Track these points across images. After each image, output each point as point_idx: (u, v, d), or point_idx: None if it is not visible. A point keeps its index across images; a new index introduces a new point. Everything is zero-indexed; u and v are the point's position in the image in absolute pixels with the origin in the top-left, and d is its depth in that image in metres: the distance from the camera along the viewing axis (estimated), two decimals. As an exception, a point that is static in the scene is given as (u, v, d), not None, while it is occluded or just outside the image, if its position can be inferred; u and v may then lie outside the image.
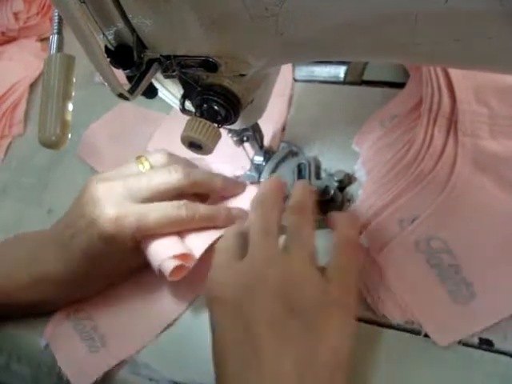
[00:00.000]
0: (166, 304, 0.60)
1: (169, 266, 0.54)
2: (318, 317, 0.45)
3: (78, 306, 0.62)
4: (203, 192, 0.61)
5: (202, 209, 0.58)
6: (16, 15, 0.93)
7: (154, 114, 0.77)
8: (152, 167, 0.61)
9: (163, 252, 0.55)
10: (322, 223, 0.58)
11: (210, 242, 0.57)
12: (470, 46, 0.33)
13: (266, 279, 0.46)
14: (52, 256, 0.58)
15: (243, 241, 0.51)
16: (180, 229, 0.57)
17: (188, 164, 0.63)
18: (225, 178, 0.63)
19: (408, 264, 0.52)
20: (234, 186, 0.63)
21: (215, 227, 0.59)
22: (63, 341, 0.60)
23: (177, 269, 0.55)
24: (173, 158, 0.62)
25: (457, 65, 0.40)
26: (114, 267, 0.59)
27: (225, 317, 0.47)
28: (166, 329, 0.58)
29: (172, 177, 0.58)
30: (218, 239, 0.57)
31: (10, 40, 0.95)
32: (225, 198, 0.63)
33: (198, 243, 0.57)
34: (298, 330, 0.45)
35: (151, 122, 0.76)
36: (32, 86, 0.89)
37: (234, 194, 0.63)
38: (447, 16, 0.32)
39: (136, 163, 0.61)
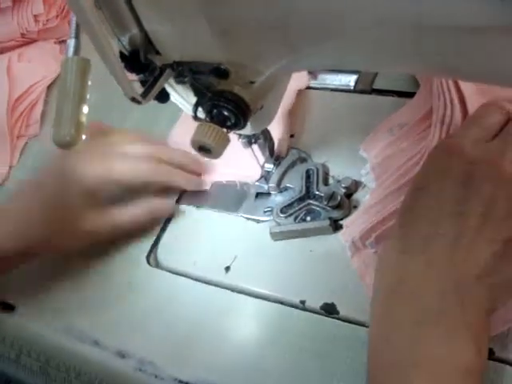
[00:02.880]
0: None
1: None
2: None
3: None
4: None
5: (164, 165, 0.68)
6: (36, 17, 0.94)
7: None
8: None
9: None
10: (329, 228, 0.59)
11: None
12: (471, 60, 0.34)
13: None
14: (29, 197, 0.64)
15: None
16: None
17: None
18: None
19: None
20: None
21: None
22: None
23: None
24: None
25: (460, 77, 0.41)
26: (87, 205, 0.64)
27: (421, 200, 0.48)
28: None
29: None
30: None
31: (29, 42, 0.97)
32: None
33: None
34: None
35: None
36: (50, 87, 0.91)
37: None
38: (451, 29, 0.33)
39: None
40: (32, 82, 0.90)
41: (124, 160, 0.66)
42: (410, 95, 0.66)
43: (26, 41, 0.97)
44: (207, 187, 0.69)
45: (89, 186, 0.62)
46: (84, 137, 0.50)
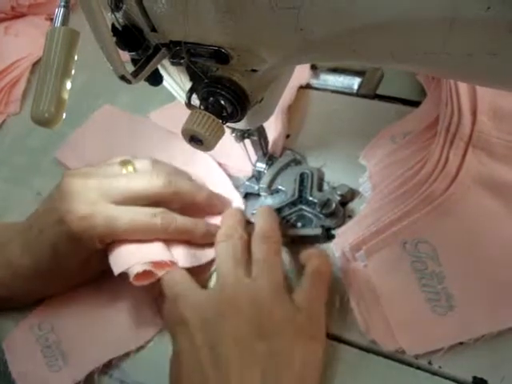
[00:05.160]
0: (132, 327, 0.56)
1: (136, 269, 0.51)
2: (285, 342, 0.46)
3: (42, 316, 0.59)
4: (184, 204, 0.58)
5: (178, 220, 0.55)
6: (28, -9, 0.90)
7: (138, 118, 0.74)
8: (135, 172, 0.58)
9: (140, 255, 0.52)
10: (321, 237, 0.56)
11: (198, 263, 0.56)
12: (506, 62, 0.31)
13: (236, 304, 0.48)
14: (19, 250, 0.56)
15: None
16: (152, 237, 0.54)
17: (176, 172, 0.60)
18: (210, 193, 0.60)
19: (392, 265, 0.51)
20: (219, 203, 0.60)
21: (193, 242, 0.57)
22: (23, 355, 0.57)
23: (144, 274, 0.51)
24: (160, 167, 0.59)
25: (488, 82, 0.37)
26: (81, 267, 0.56)
27: (191, 339, 0.48)
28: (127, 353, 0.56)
29: (153, 182, 0.55)
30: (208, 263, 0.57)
31: (19, 16, 0.93)
32: (209, 213, 0.60)
33: (185, 259, 0.55)
34: (264, 353, 0.46)
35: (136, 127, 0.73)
36: (35, 64, 0.86)
37: (219, 211, 0.59)
38: (486, 25, 0.29)
39: (119, 166, 0.58)
40: (17, 58, 0.85)
41: (129, 213, 0.53)
42: (414, 104, 0.63)
43: (16, 14, 0.93)
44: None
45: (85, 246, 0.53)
46: (64, 115, 0.45)
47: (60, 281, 0.58)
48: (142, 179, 0.55)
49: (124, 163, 0.58)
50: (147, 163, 0.59)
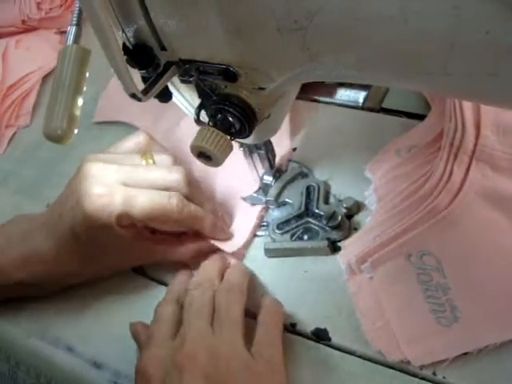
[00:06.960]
0: None
1: None
2: None
3: None
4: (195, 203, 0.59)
5: (192, 206, 0.57)
6: (39, 5, 0.91)
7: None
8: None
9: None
10: (327, 249, 0.56)
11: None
12: (506, 83, 0.31)
13: (194, 358, 0.47)
14: (42, 234, 0.58)
15: (178, 317, 0.52)
16: (167, 220, 0.56)
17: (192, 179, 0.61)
18: (215, 209, 0.61)
19: (397, 277, 0.52)
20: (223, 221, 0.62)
21: (201, 234, 0.59)
22: None
23: None
24: (179, 165, 0.60)
25: (488, 101, 0.38)
26: (101, 252, 0.57)
27: None
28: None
29: (171, 176, 0.56)
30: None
31: (30, 29, 0.94)
32: None
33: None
34: None
35: None
36: (45, 78, 0.88)
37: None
38: (486, 48, 0.30)
39: (140, 158, 0.59)
40: (27, 71, 0.87)
41: (146, 193, 0.55)
42: (419, 117, 0.64)
43: (27, 28, 0.94)
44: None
45: (104, 221, 0.54)
46: (76, 131, 0.47)
47: (85, 269, 0.59)
48: (161, 171, 0.57)
49: (144, 156, 0.59)
50: (167, 158, 0.60)
